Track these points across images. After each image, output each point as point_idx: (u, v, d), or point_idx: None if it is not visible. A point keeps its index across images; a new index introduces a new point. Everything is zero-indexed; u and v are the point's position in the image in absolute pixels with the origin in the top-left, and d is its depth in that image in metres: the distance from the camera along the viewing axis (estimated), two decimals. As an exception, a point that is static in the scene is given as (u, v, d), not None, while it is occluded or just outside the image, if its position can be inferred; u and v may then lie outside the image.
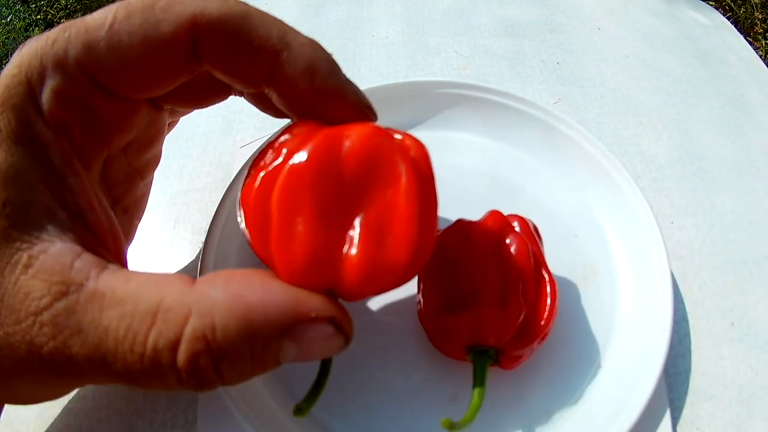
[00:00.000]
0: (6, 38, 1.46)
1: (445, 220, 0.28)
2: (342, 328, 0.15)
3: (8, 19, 1.45)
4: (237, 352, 0.13)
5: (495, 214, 0.23)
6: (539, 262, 0.23)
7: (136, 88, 0.16)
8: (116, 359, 0.13)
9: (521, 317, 0.21)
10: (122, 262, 0.16)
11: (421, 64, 0.39)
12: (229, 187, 0.26)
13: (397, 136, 0.17)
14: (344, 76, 0.17)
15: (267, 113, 0.19)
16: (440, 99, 0.31)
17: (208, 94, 0.20)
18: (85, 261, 0.14)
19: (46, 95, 0.15)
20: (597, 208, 0.29)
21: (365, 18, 0.44)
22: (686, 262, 0.32)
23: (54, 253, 0.14)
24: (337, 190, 0.15)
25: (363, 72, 0.39)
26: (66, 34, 0.15)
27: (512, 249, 0.22)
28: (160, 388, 0.14)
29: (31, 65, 0.15)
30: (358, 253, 0.15)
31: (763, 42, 1.38)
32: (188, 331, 0.13)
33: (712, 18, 0.52)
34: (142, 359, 0.13)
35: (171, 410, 0.24)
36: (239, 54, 0.16)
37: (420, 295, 0.23)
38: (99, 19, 0.15)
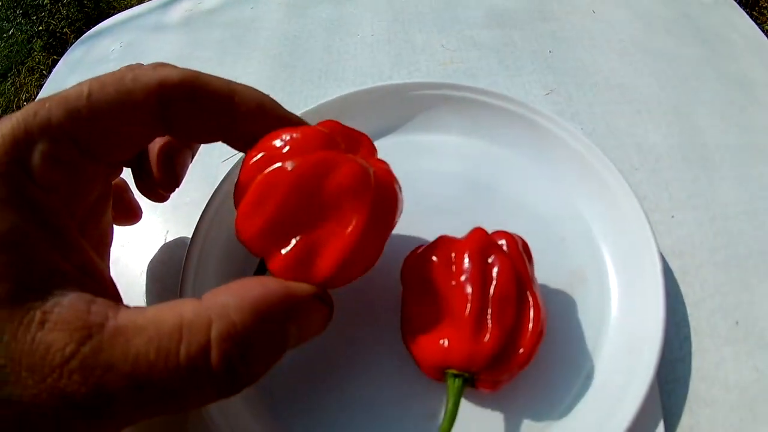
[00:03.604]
0: (9, 51, 1.47)
1: (427, 228, 0.27)
2: (324, 299, 0.19)
3: (10, 32, 1.46)
4: (257, 340, 0.15)
5: (478, 232, 0.22)
6: (524, 284, 0.21)
7: (113, 150, 0.19)
8: (151, 382, 0.14)
9: (497, 344, 0.20)
10: (121, 301, 0.17)
11: (405, 62, 0.38)
12: (212, 196, 0.26)
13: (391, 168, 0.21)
14: (282, 107, 0.21)
15: None
16: (419, 101, 0.30)
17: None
18: (100, 304, 0.14)
19: (35, 159, 0.16)
20: (585, 209, 0.27)
21: (350, 16, 0.43)
22: (687, 259, 0.31)
23: (67, 303, 0.14)
24: (308, 201, 0.18)
25: (347, 73, 0.38)
26: (47, 105, 0.16)
27: (494, 271, 0.21)
28: (195, 401, 0.15)
29: (15, 133, 0.16)
30: (289, 252, 0.18)
31: (769, 17, 1.32)
32: (214, 334, 0.15)
33: (714, -6, 0.49)
34: (178, 371, 0.14)
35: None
36: (201, 104, 0.19)
37: (402, 312, 0.22)
38: (76, 91, 0.17)
